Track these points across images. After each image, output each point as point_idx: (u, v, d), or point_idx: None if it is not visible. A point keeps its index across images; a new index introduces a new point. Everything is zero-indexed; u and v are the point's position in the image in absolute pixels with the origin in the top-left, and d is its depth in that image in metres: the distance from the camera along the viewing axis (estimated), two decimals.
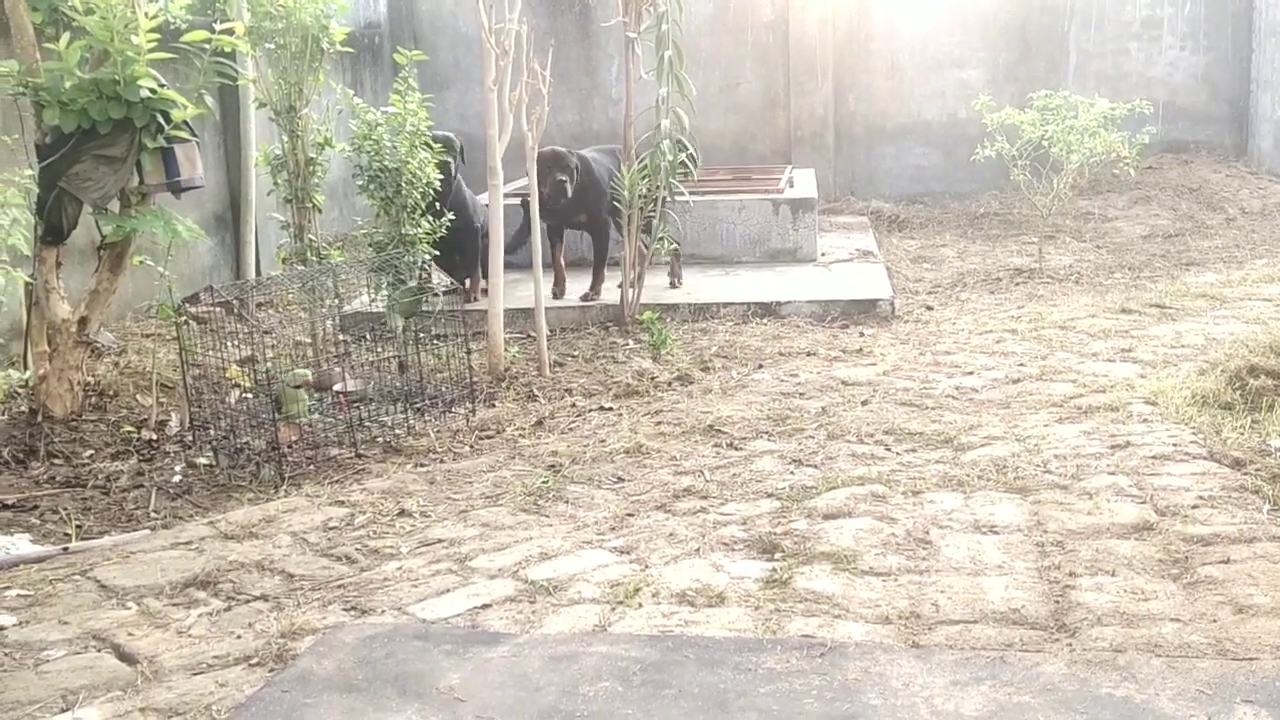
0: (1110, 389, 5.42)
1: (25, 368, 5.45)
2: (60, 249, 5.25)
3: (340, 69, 9.97)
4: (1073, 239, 9.71)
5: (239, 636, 3.32)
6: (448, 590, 3.57)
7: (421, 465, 4.86)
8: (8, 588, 3.71)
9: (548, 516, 4.19)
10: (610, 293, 7.37)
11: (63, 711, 2.96)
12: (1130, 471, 4.29)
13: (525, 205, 7.15)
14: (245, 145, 8.27)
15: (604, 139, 11.07)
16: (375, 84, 11.34)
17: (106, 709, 2.95)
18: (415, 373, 5.63)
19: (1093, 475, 4.28)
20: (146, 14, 4.98)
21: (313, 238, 5.93)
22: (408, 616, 3.41)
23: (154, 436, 5.22)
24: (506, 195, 6.82)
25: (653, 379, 5.93)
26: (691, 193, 7.53)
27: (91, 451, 5.05)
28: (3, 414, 5.30)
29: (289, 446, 5.00)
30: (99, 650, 3.27)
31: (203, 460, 4.97)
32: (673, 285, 7.77)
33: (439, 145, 6.95)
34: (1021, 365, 5.95)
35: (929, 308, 7.56)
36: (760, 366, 6.17)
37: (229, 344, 5.35)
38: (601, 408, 5.54)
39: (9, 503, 4.51)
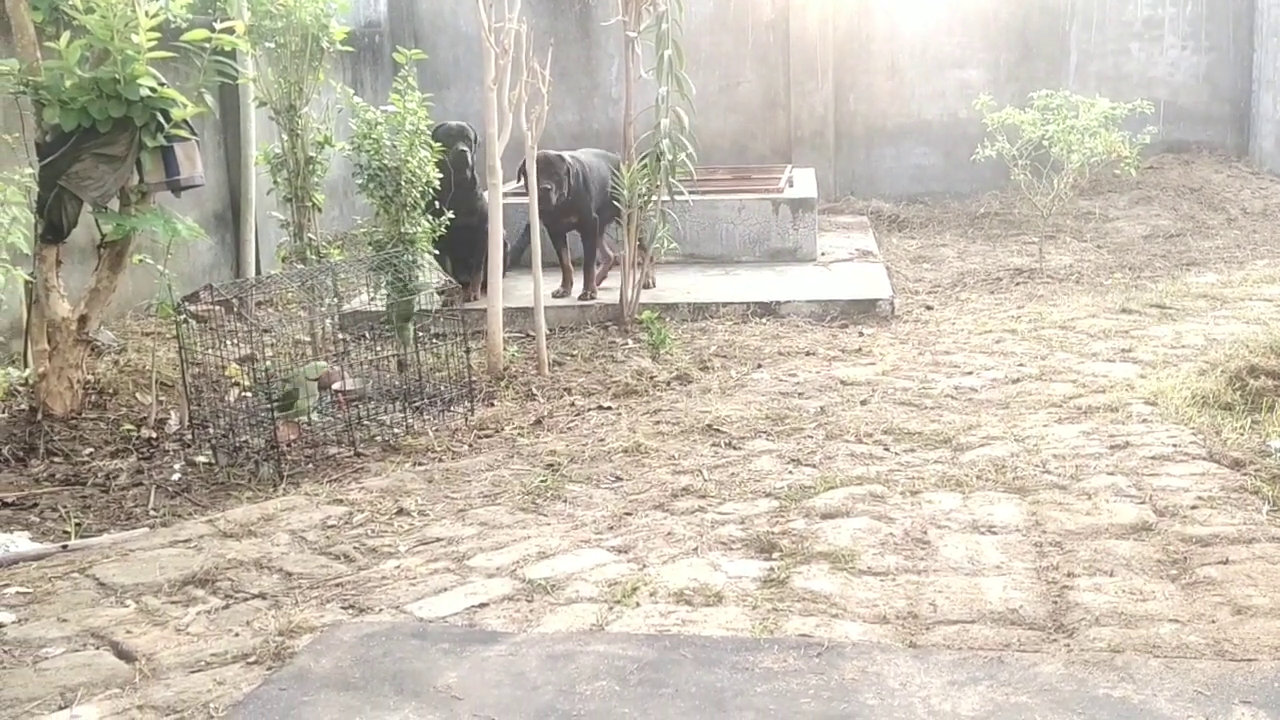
0: (1110, 389, 5.42)
1: (25, 366, 5.45)
2: (60, 247, 5.25)
3: (340, 68, 9.97)
4: (1073, 239, 9.70)
5: (237, 634, 3.32)
6: (445, 589, 3.58)
7: (420, 464, 4.86)
8: (7, 585, 3.71)
9: (546, 516, 4.19)
10: (610, 293, 7.38)
11: (61, 709, 2.96)
12: (1129, 472, 4.29)
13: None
14: (245, 144, 8.27)
15: (604, 138, 11.08)
16: (375, 83, 11.34)
17: (105, 706, 2.95)
18: (414, 371, 5.63)
19: (1092, 475, 4.28)
20: (147, 13, 4.99)
21: (312, 236, 5.93)
22: (405, 615, 3.42)
23: (153, 435, 5.22)
24: (507, 195, 6.83)
25: (652, 378, 5.93)
26: (691, 192, 7.54)
27: (91, 449, 5.05)
28: (3, 412, 5.30)
29: (288, 445, 5.01)
30: (97, 648, 3.28)
31: (202, 458, 4.97)
32: (646, 286, 7.50)
33: (452, 134, 6.97)
34: (1021, 365, 5.95)
35: (929, 307, 7.55)
36: (759, 366, 6.17)
37: (228, 342, 5.36)
38: (600, 407, 5.55)
39: (9, 500, 4.51)
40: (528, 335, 6.69)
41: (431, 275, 6.11)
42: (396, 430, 5.22)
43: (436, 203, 6.20)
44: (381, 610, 3.45)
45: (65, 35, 4.89)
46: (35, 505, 4.50)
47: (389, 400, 5.50)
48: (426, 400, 5.43)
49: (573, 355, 6.51)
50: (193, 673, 3.11)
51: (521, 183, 6.50)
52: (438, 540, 3.98)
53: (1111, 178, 9.71)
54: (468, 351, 5.69)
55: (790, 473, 4.49)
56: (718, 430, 5.05)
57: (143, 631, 3.36)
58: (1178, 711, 2.72)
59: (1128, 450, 4.53)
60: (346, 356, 6.04)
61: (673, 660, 3.06)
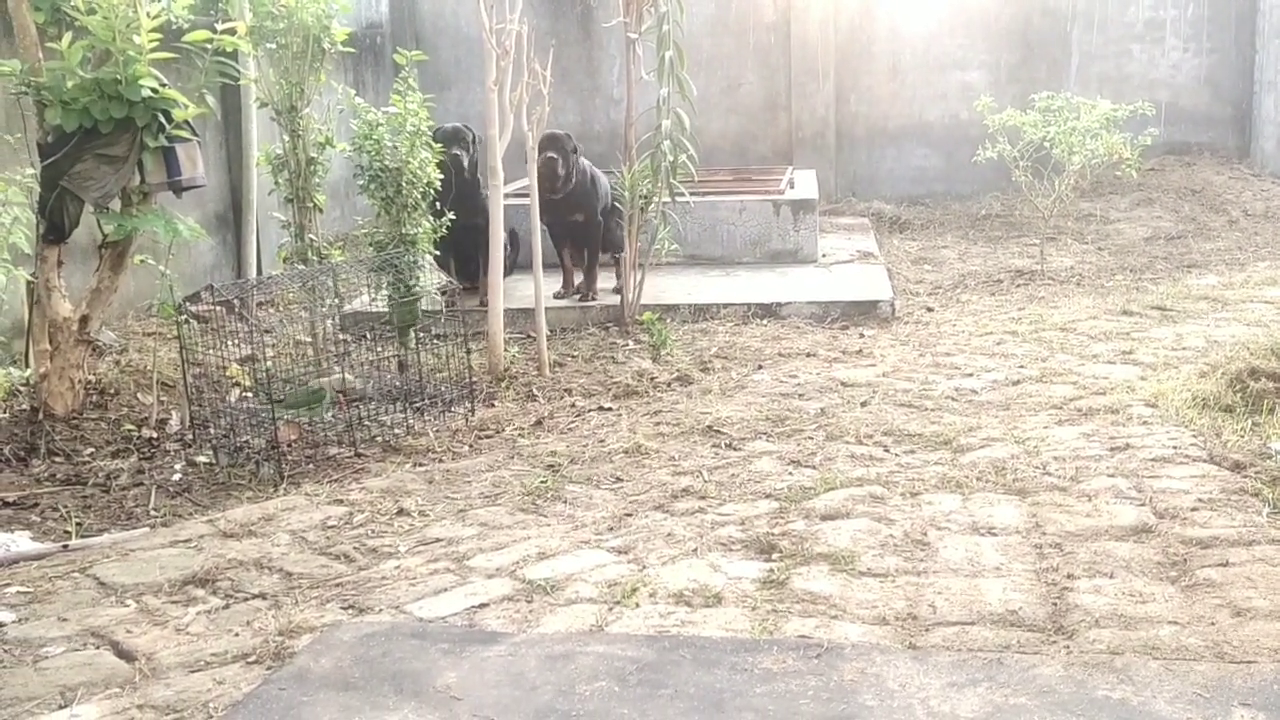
0: (1110, 391, 5.42)
1: (27, 366, 5.45)
2: (62, 248, 5.25)
3: (342, 69, 9.98)
4: (1074, 241, 9.70)
5: (237, 634, 3.33)
6: (445, 589, 3.58)
7: (420, 465, 4.86)
8: (8, 584, 3.71)
9: (546, 516, 4.19)
10: (610, 294, 7.40)
11: (61, 708, 2.96)
12: (1129, 474, 4.29)
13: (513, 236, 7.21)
14: (246, 145, 8.28)
15: (605, 139, 11.09)
16: (377, 84, 11.34)
17: (104, 706, 2.96)
18: (415, 372, 5.63)
19: (1092, 477, 4.28)
20: (148, 14, 4.99)
21: (313, 237, 5.93)
22: (405, 615, 3.42)
23: (154, 435, 5.23)
24: (508, 196, 6.83)
25: (652, 379, 5.94)
26: (692, 194, 7.54)
27: (92, 449, 5.05)
28: (4, 412, 5.30)
29: (288, 445, 5.01)
30: (98, 647, 3.28)
31: (202, 458, 4.98)
32: (616, 290, 7.40)
33: (447, 137, 6.97)
34: (1022, 367, 5.95)
35: (929, 309, 7.55)
36: (760, 367, 6.17)
37: (229, 343, 5.36)
38: (601, 408, 5.55)
39: (10, 500, 4.52)
40: (528, 336, 6.69)
41: (432, 276, 6.12)
42: (397, 431, 5.22)
43: (437, 204, 6.20)
44: (381, 610, 3.45)
45: (67, 36, 4.89)
46: (36, 505, 4.50)
47: (390, 401, 5.50)
48: (427, 401, 5.44)
49: (573, 356, 6.51)
50: (192, 672, 3.11)
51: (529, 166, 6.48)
52: (438, 541, 3.99)
53: (1113, 179, 9.71)
54: (469, 352, 5.70)
55: (790, 474, 4.49)
56: (718, 431, 5.05)
57: (143, 631, 3.37)
58: (1177, 713, 2.72)
59: (1128, 452, 4.53)
60: (347, 357, 6.04)
61: (672, 661, 3.06)
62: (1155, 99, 10.12)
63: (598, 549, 3.85)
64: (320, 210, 6.01)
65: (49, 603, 3.58)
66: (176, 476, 4.82)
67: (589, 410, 5.52)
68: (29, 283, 5.25)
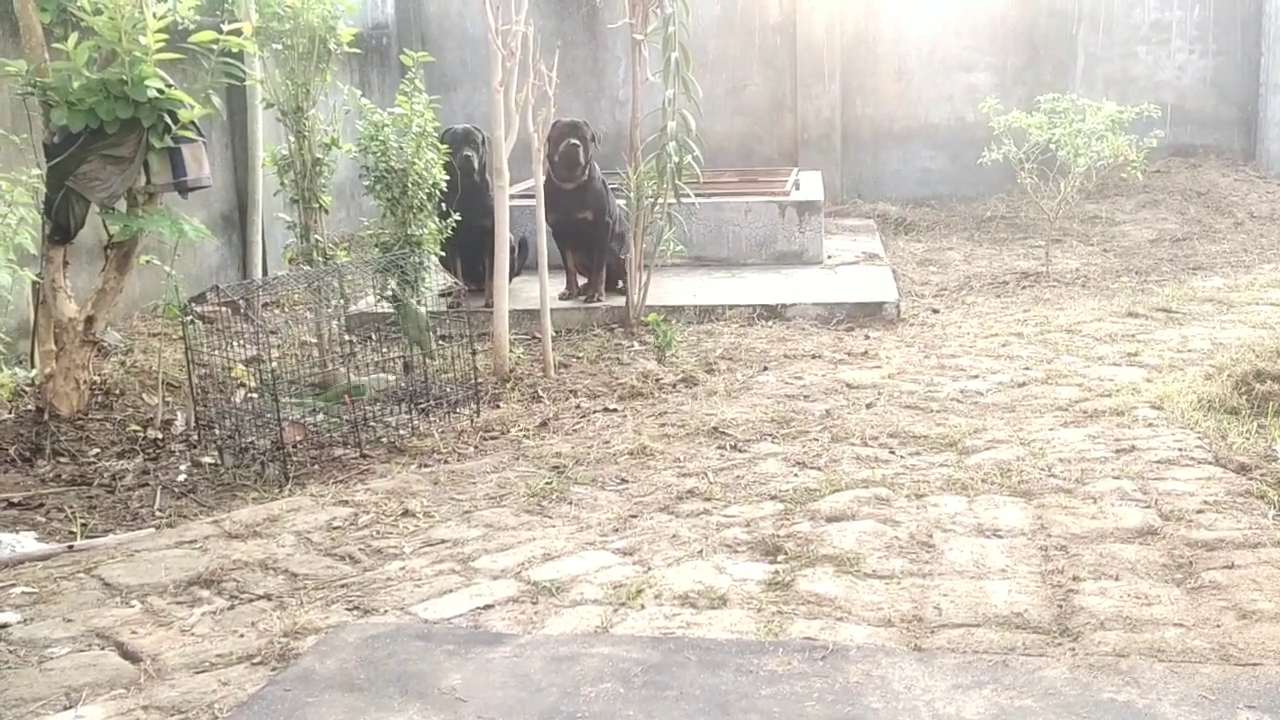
0: (1116, 393, 5.41)
1: (32, 366, 5.46)
2: (67, 248, 5.26)
3: (348, 70, 9.99)
4: (1080, 242, 9.69)
5: (242, 635, 3.33)
6: (450, 590, 3.58)
7: (426, 466, 4.87)
8: (13, 585, 3.72)
9: (551, 517, 4.19)
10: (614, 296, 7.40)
11: (66, 709, 2.96)
12: (1135, 476, 4.28)
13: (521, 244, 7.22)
14: (252, 145, 8.29)
15: (610, 140, 11.07)
16: (383, 85, 11.36)
17: (109, 707, 2.96)
18: (420, 373, 5.64)
19: (1097, 479, 4.27)
20: (154, 14, 5.00)
21: (319, 238, 5.94)
22: (410, 616, 3.42)
23: (159, 435, 5.23)
24: (514, 197, 6.83)
25: (657, 381, 5.94)
26: (698, 195, 7.53)
27: (97, 450, 5.06)
28: (9, 412, 5.31)
29: (294, 446, 5.01)
30: (102, 648, 3.28)
31: (208, 459, 4.98)
32: (620, 291, 7.41)
33: (458, 139, 6.97)
34: (1027, 369, 5.94)
35: (935, 311, 7.55)
36: (765, 369, 6.17)
37: (235, 343, 5.37)
38: (606, 409, 5.55)
39: (15, 500, 4.53)
40: (533, 337, 6.69)
41: (437, 278, 6.12)
42: (402, 432, 5.22)
43: (444, 204, 6.20)
44: (386, 611, 3.45)
45: (73, 36, 4.90)
46: (41, 505, 4.51)
47: (395, 402, 5.51)
48: (432, 402, 5.44)
49: (578, 357, 6.51)
50: (197, 673, 3.11)
51: (544, 155, 6.47)
52: (443, 542, 3.99)
53: (1118, 181, 9.70)
54: (474, 353, 5.70)
55: (795, 475, 4.49)
56: (723, 433, 5.05)
57: (148, 632, 3.37)
58: (1182, 716, 2.71)
59: (1133, 454, 4.52)
60: (353, 358, 6.05)
61: (677, 663, 3.05)
62: (1161, 101, 10.10)
63: (603, 550, 3.85)
64: (326, 211, 6.02)
65: (54, 603, 3.59)
66: (181, 477, 4.82)
67: (594, 411, 5.52)
68: (34, 283, 5.25)
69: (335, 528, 4.15)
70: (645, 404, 5.61)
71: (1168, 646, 3.04)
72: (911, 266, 9.09)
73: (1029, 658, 3.02)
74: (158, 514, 4.46)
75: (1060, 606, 3.30)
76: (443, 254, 6.29)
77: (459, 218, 6.34)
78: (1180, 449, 4.53)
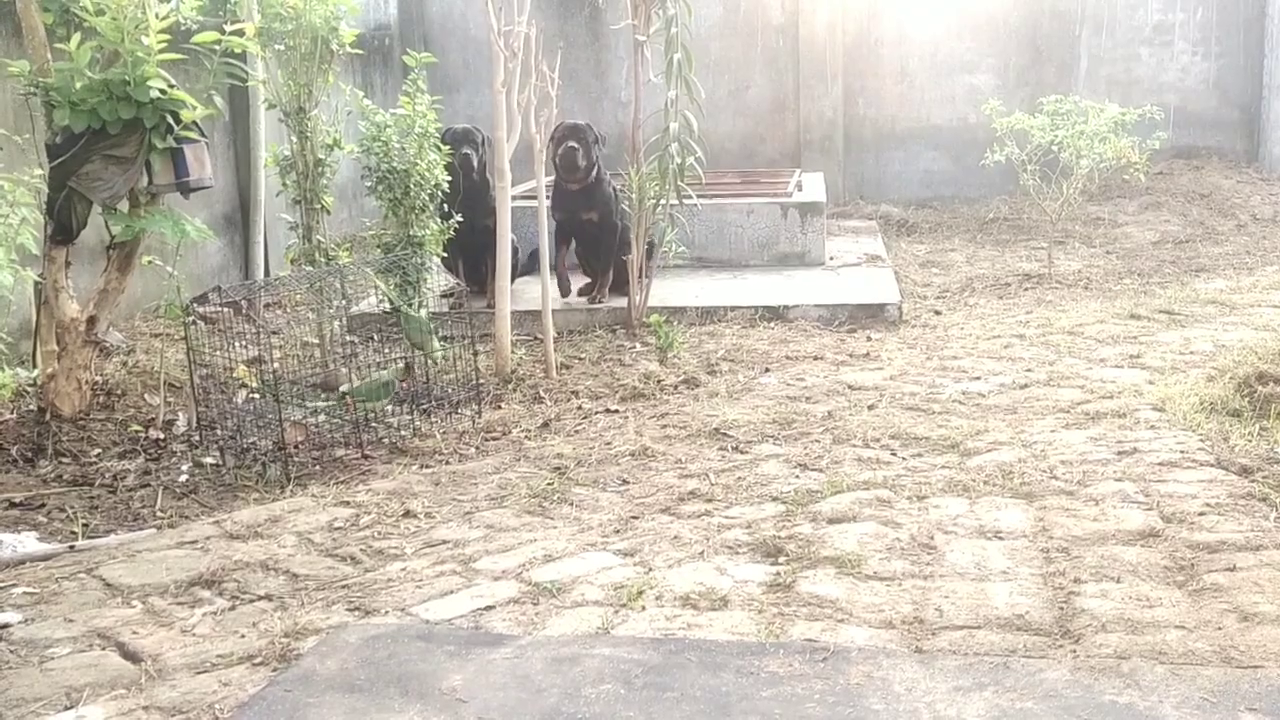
0: (1118, 395, 5.40)
1: (34, 366, 5.46)
2: (69, 248, 5.26)
3: (350, 70, 10.00)
4: (1082, 244, 9.69)
5: (243, 636, 3.33)
6: (451, 591, 3.58)
7: (427, 466, 4.87)
8: (14, 585, 3.72)
9: (552, 518, 4.19)
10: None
11: (67, 709, 2.97)
12: (1137, 478, 4.28)
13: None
14: (254, 146, 8.29)
15: (612, 142, 11.05)
16: (385, 85, 11.36)
17: (110, 707, 2.96)
18: (422, 374, 5.63)
19: (1099, 481, 4.27)
20: (157, 15, 5.00)
21: (321, 239, 5.94)
22: (411, 617, 3.42)
23: (161, 436, 5.23)
24: (516, 198, 6.83)
25: (659, 382, 5.93)
26: (700, 196, 7.53)
27: (99, 450, 5.06)
28: (11, 412, 5.31)
29: (295, 447, 5.02)
30: (103, 648, 3.28)
31: (209, 460, 4.98)
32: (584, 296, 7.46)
33: (457, 138, 6.97)
34: (1029, 371, 5.94)
35: (937, 312, 7.54)
36: (767, 370, 6.17)
37: (237, 344, 5.36)
38: (607, 410, 5.55)
39: (16, 500, 4.53)
40: (535, 338, 6.69)
41: (439, 278, 6.11)
42: (403, 432, 5.22)
43: (446, 205, 6.20)
44: (387, 612, 3.45)
45: (76, 37, 4.90)
46: (43, 505, 4.51)
47: (396, 403, 5.50)
48: (434, 403, 5.44)
49: (580, 358, 6.51)
50: (198, 674, 3.12)
51: (545, 153, 6.46)
52: (444, 542, 3.99)
53: (1121, 183, 9.70)
54: (475, 354, 5.70)
55: (797, 477, 4.49)
56: (725, 434, 5.04)
57: (149, 632, 3.37)
58: (1184, 718, 2.71)
59: (1135, 456, 4.51)
60: (355, 359, 6.05)
61: (678, 664, 3.05)
62: (1163, 103, 10.10)
63: (604, 551, 3.85)
64: (328, 211, 6.02)
65: (55, 603, 3.59)
66: (183, 478, 4.83)
67: (596, 412, 5.52)
68: (36, 283, 5.26)
69: (336, 528, 4.15)
70: (647, 405, 5.61)
71: (1169, 649, 3.03)
72: (914, 268, 9.09)
73: (1030, 660, 3.02)
74: (159, 514, 4.46)
75: (1061, 608, 3.30)
76: (445, 255, 6.29)
77: (461, 218, 6.34)
78: (1182, 451, 4.53)
